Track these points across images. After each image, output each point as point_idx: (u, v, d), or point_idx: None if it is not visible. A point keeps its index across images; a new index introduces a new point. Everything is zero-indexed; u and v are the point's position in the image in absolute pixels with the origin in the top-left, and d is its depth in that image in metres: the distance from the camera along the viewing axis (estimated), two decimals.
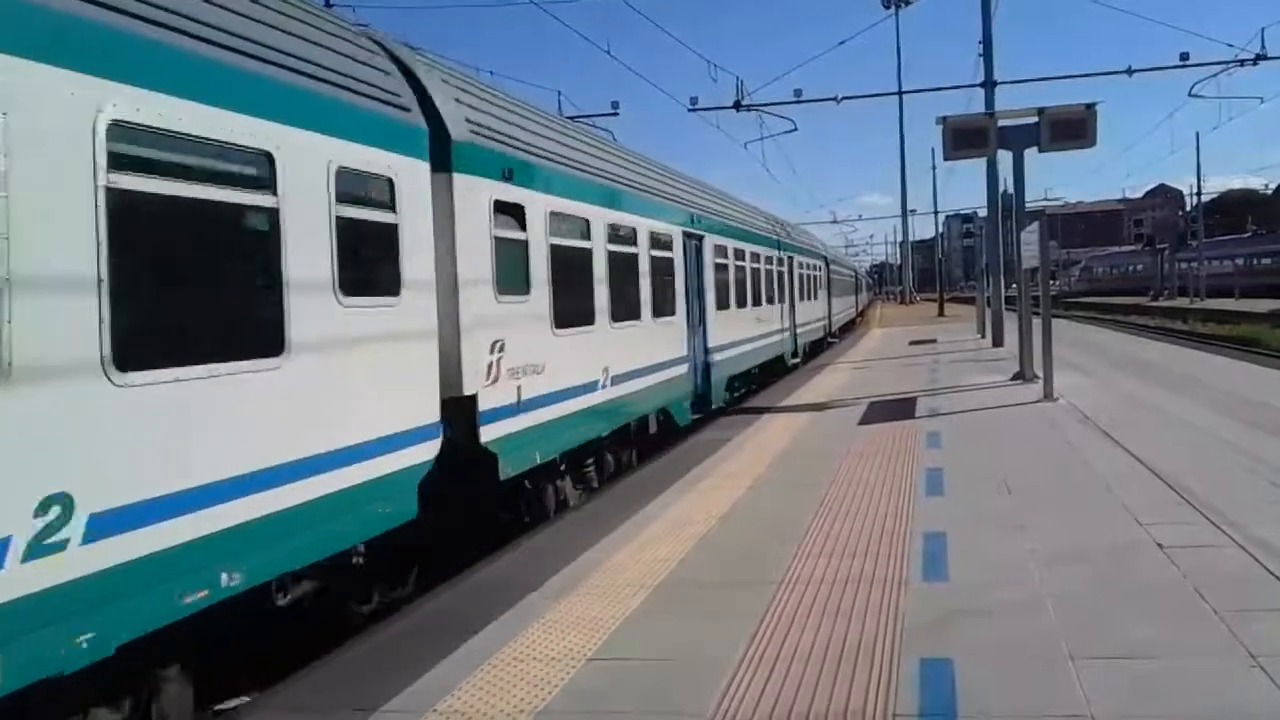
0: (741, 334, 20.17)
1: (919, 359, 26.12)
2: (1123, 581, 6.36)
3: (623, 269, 12.61)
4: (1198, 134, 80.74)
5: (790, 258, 28.04)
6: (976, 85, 28.32)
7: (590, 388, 11.10)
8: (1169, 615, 5.67)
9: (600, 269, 11.74)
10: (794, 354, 27.49)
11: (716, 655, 5.47)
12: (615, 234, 12.40)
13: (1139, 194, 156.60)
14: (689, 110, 32.51)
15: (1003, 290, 27.83)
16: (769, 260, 24.59)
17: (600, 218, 11.83)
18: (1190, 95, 32.88)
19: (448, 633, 6.18)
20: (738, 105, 31.46)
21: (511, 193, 9.39)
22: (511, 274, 9.35)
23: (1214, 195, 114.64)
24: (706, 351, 17.10)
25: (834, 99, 32.05)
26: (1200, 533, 7.36)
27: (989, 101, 26.99)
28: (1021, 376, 18.00)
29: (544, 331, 9.94)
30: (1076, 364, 20.28)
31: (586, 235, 11.42)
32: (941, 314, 54.19)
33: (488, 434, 8.61)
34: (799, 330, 28.61)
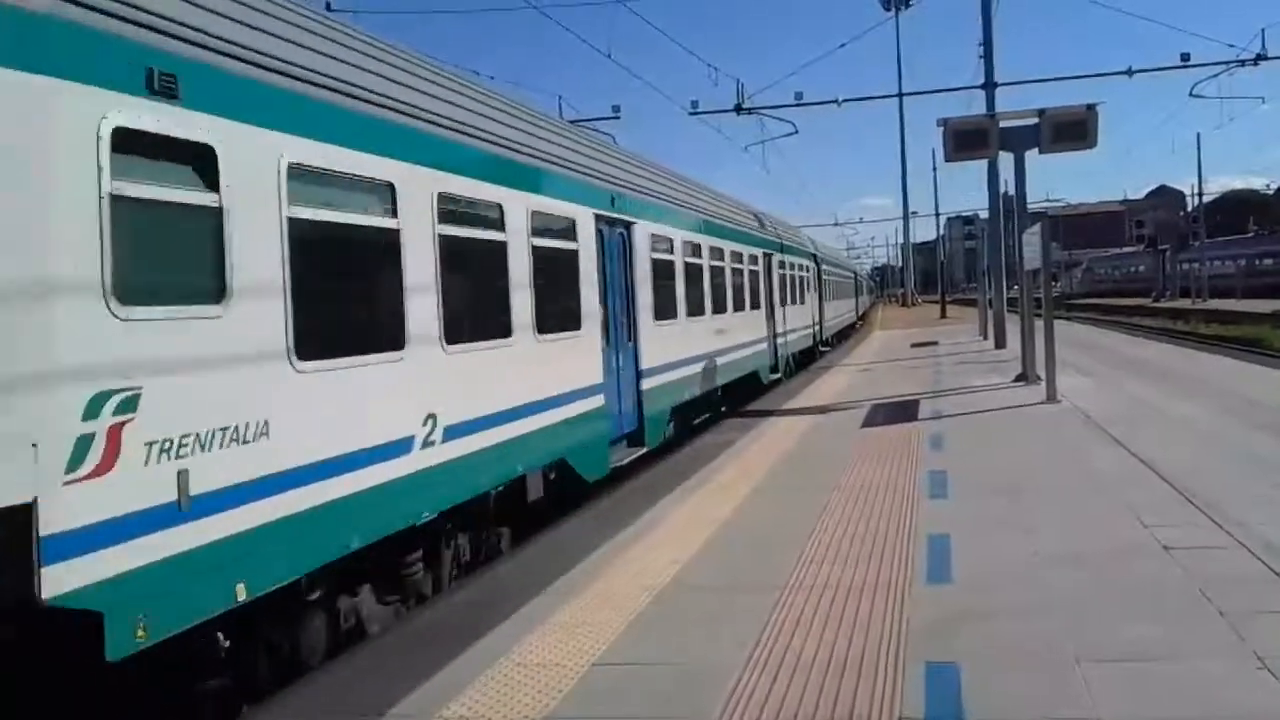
0: (695, 350, 16.03)
1: (921, 361, 26.12)
2: (1128, 583, 6.34)
3: (472, 263, 8.70)
4: (1199, 134, 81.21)
5: (769, 255, 24.12)
6: (977, 87, 28.41)
7: (395, 449, 7.11)
8: (1175, 617, 5.66)
9: (420, 263, 7.65)
10: (773, 368, 23.72)
11: (721, 660, 5.46)
12: (456, 209, 8.31)
13: (1140, 195, 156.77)
14: (690, 114, 32.59)
15: (1005, 292, 27.82)
16: (738, 257, 20.25)
17: (419, 183, 7.69)
18: (1191, 95, 32.96)
19: (453, 638, 6.17)
20: (738, 108, 31.52)
21: (173, 119, 5.26)
22: (172, 266, 5.44)
23: (1215, 196, 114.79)
24: (638, 376, 12.99)
25: (835, 102, 32.17)
26: (1205, 534, 7.34)
27: (990, 103, 27.03)
28: (1024, 378, 17.99)
29: (268, 366, 5.92)
30: (1079, 365, 20.27)
31: (389, 209, 7.30)
32: (943, 316, 54.22)
33: (71, 575, 4.56)
34: (780, 340, 24.75)
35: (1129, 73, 30.23)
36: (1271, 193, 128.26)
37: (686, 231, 16.20)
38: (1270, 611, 5.64)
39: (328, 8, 12.28)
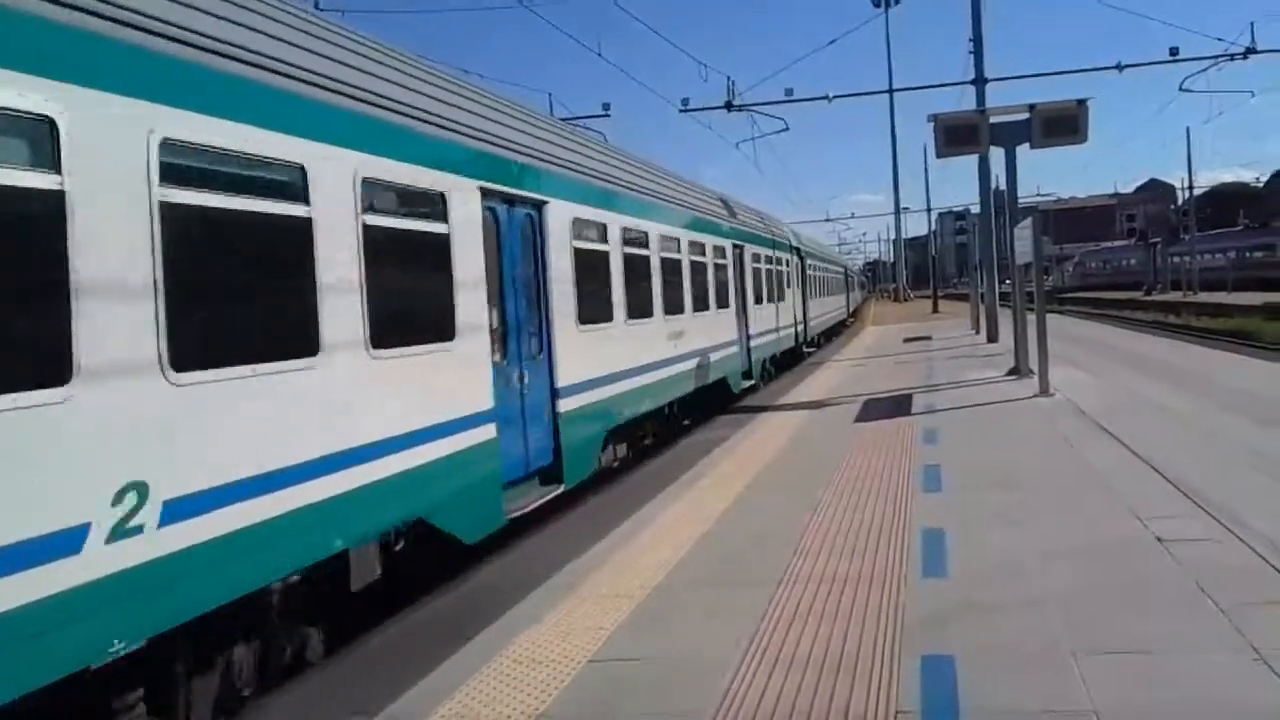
0: (640, 359, 13.29)
1: (914, 356, 26.15)
2: (1123, 576, 6.34)
3: (244, 248, 5.89)
4: (1188, 128, 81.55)
5: (740, 247, 21.06)
6: (968, 83, 28.39)
7: (45, 549, 4.36)
8: (1170, 610, 5.66)
9: (115, 244, 4.86)
10: (746, 374, 21.01)
11: (717, 655, 5.45)
12: (205, 168, 5.53)
13: (1131, 188, 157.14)
14: (680, 111, 32.53)
15: (997, 286, 27.88)
16: (699, 249, 17.46)
17: (117, 123, 4.93)
18: (1181, 90, 32.95)
19: (447, 636, 6.15)
20: (729, 105, 31.46)
21: None
22: None
23: (1206, 189, 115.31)
24: (554, 395, 10.30)
25: (825, 98, 32.05)
26: (1200, 527, 7.35)
27: (980, 98, 27.04)
28: (1017, 372, 18.03)
29: None
30: (1071, 359, 20.30)
31: (46, 161, 4.54)
32: (935, 311, 54.39)
33: None
34: (753, 343, 21.86)
35: (1119, 68, 30.23)
36: (1261, 185, 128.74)
37: (627, 216, 13.39)
38: (1267, 604, 5.64)
39: (316, 6, 12.21)
